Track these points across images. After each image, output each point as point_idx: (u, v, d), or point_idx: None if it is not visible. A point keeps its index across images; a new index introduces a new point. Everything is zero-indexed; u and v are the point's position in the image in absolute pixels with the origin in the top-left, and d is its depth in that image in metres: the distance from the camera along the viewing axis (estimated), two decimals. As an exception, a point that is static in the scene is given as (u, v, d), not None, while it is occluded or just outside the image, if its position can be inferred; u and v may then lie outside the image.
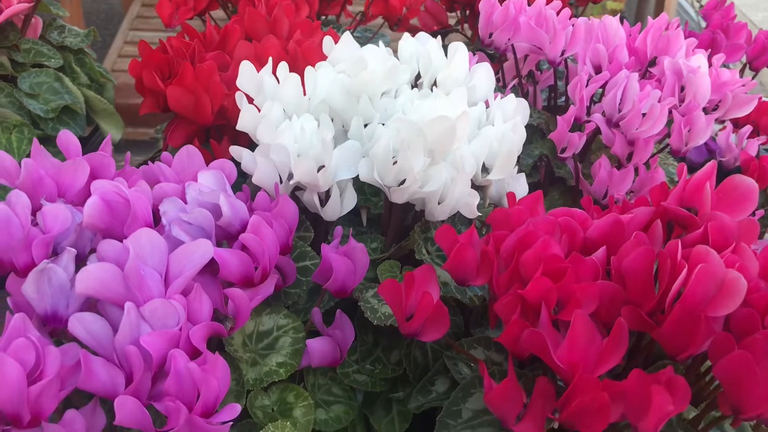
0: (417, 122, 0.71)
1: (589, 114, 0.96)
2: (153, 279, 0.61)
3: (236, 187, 0.77)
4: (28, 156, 0.70)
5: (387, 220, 0.81)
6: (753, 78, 1.20)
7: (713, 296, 0.57)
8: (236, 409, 0.58)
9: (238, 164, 0.79)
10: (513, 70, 1.13)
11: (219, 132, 0.99)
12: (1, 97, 1.19)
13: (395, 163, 0.72)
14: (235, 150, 0.77)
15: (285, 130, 0.73)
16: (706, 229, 0.63)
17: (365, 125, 0.77)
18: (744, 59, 1.30)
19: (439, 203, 0.74)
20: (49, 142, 1.20)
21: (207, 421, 0.57)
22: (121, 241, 0.61)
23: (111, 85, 1.41)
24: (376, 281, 0.77)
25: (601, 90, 0.99)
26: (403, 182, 0.72)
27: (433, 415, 0.74)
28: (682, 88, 0.95)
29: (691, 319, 0.57)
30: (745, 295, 0.58)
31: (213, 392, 0.58)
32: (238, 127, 0.79)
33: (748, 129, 1.17)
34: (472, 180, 0.78)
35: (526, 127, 0.84)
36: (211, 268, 0.69)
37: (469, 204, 0.75)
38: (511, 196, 0.74)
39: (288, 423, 0.69)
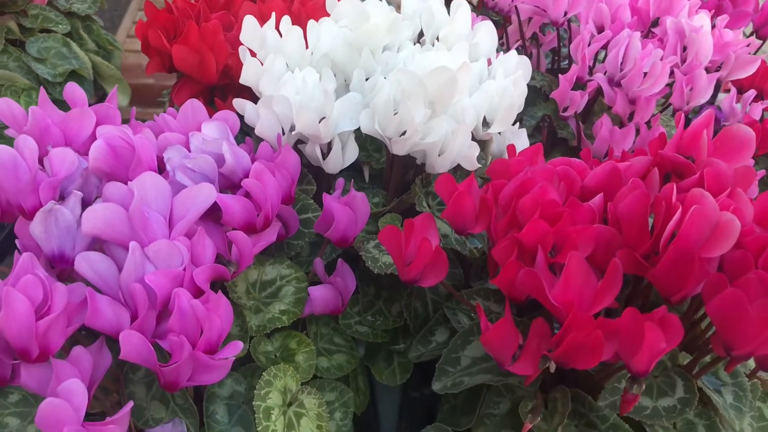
0: (418, 73, 0.72)
1: (591, 74, 0.96)
2: (157, 221, 0.62)
3: (240, 144, 0.78)
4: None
5: (388, 174, 0.82)
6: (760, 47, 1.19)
7: (707, 238, 0.58)
8: (239, 346, 0.60)
9: (242, 119, 0.80)
10: (516, 34, 1.14)
11: (223, 92, 1.01)
12: (10, 61, 1.21)
13: (396, 114, 0.72)
14: (239, 102, 0.78)
15: (287, 82, 0.74)
16: (701, 174, 0.63)
17: (367, 79, 0.77)
18: (751, 27, 1.30)
19: (439, 155, 0.75)
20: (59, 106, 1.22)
21: (210, 357, 0.59)
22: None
23: (118, 52, 1.42)
24: (378, 234, 0.78)
25: (603, 51, 1.00)
26: (404, 133, 0.73)
27: (433, 367, 0.75)
28: (684, 48, 0.95)
29: (685, 259, 0.58)
30: (739, 238, 0.59)
31: (216, 330, 0.60)
32: (241, 80, 0.80)
33: (752, 93, 1.16)
34: (473, 134, 0.79)
35: (529, 89, 0.85)
36: (214, 215, 0.70)
37: (469, 156, 0.76)
38: (511, 148, 0.75)
39: (290, 367, 0.70)
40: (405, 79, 0.72)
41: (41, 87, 0.76)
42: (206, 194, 0.63)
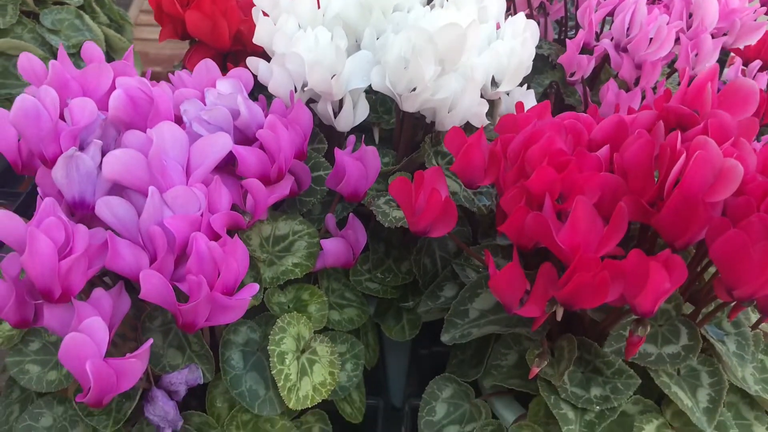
0: (428, 29, 0.73)
1: (598, 39, 0.97)
2: (175, 168, 0.64)
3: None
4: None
5: (398, 134, 0.84)
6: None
7: (711, 183, 0.60)
8: (255, 288, 0.62)
9: (255, 80, 0.82)
10: (524, 5, 1.15)
11: (235, 58, 1.02)
12: (24, 32, 1.23)
13: (406, 70, 0.74)
14: (252, 61, 0.79)
15: (299, 40, 0.76)
16: (706, 125, 0.65)
17: (377, 39, 0.79)
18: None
19: (449, 112, 0.77)
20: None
21: (227, 297, 0.60)
22: (145, 134, 0.64)
23: (130, 27, 1.44)
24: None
25: (610, 19, 1.01)
26: (414, 90, 0.75)
27: (440, 325, 0.77)
28: (690, 15, 0.96)
29: (689, 204, 0.59)
30: (741, 185, 0.61)
31: (233, 272, 0.61)
32: (255, 39, 0.82)
33: (757, 64, 1.17)
34: (482, 93, 0.80)
35: (536, 57, 0.86)
36: (229, 169, 0.72)
37: (478, 114, 0.77)
38: (519, 104, 0.76)
39: (303, 316, 0.72)
40: (415, 36, 0.74)
41: (60, 44, 0.77)
42: (222, 143, 0.65)
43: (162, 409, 0.67)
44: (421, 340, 0.92)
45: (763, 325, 0.75)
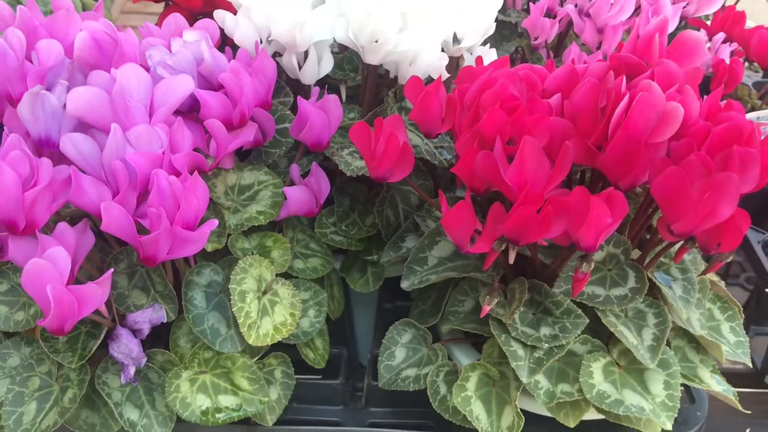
0: (390, -17, 0.75)
1: (562, 5, 1.00)
2: (138, 108, 0.65)
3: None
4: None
5: (363, 89, 0.86)
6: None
7: (654, 126, 0.62)
8: (214, 223, 0.64)
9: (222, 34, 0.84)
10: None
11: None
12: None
13: (369, 23, 0.76)
14: (219, 14, 0.81)
15: (266, -8, 0.78)
16: (652, 73, 0.67)
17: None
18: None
19: (410, 65, 0.79)
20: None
21: (187, 231, 0.62)
22: (110, 76, 0.66)
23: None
24: (353, 145, 0.82)
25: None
26: (376, 42, 0.77)
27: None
28: (653, -18, 0.99)
29: (632, 144, 0.61)
30: (684, 129, 0.63)
31: (192, 207, 0.63)
32: (222, -7, 0.83)
33: (721, 36, 1.21)
34: (444, 50, 0.82)
35: (503, 25, 0.88)
36: (194, 116, 0.74)
37: (439, 68, 0.80)
38: (479, 59, 0.78)
39: (265, 259, 0.74)
40: (378, -10, 0.76)
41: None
42: (185, 84, 0.67)
43: (126, 346, 0.69)
44: (386, 296, 0.95)
45: (710, 275, 0.78)
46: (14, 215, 0.60)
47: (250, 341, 0.68)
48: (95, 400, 0.72)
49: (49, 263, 0.57)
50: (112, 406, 0.70)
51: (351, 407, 0.83)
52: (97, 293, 0.59)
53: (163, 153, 0.65)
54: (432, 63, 0.79)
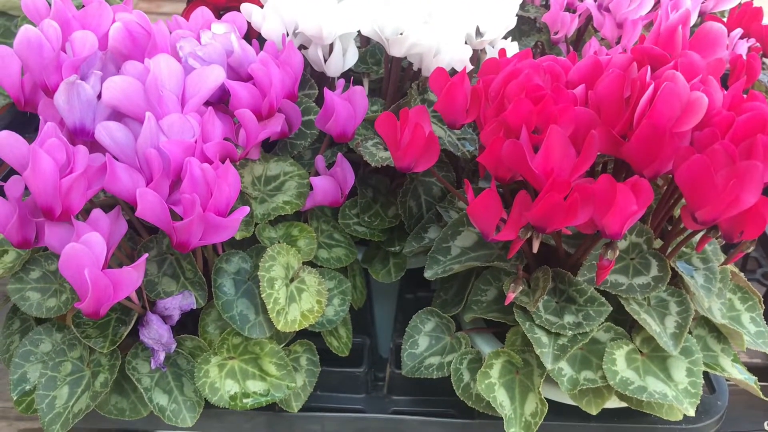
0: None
1: (581, 0, 1.01)
2: (170, 98, 0.67)
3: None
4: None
5: (387, 81, 0.87)
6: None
7: (678, 115, 0.63)
8: (246, 210, 0.65)
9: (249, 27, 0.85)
10: (513, -29, 1.18)
11: (231, 15, 1.05)
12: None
13: (394, 14, 0.77)
14: (246, 7, 0.83)
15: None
16: (675, 64, 0.68)
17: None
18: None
19: (434, 57, 0.80)
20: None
21: (219, 217, 0.64)
22: (142, 67, 0.67)
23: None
24: (377, 137, 0.83)
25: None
26: (401, 34, 0.78)
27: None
28: (672, -23, 1.00)
29: (656, 133, 0.62)
30: (708, 119, 0.64)
31: (224, 194, 0.65)
32: (249, -13, 0.85)
33: (738, 32, 1.21)
34: (467, 42, 0.83)
35: (522, 20, 0.89)
36: (223, 107, 0.75)
37: (462, 60, 0.81)
38: (502, 51, 0.79)
39: (293, 248, 0.75)
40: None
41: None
42: (216, 74, 0.68)
43: (156, 332, 0.70)
44: (407, 287, 0.96)
45: (730, 266, 0.79)
46: (51, 201, 0.62)
47: (279, 327, 0.70)
48: (125, 385, 0.74)
49: (86, 248, 0.59)
50: (141, 391, 0.71)
51: (373, 396, 0.84)
52: (132, 277, 0.60)
53: (195, 142, 0.66)
54: (456, 55, 0.80)
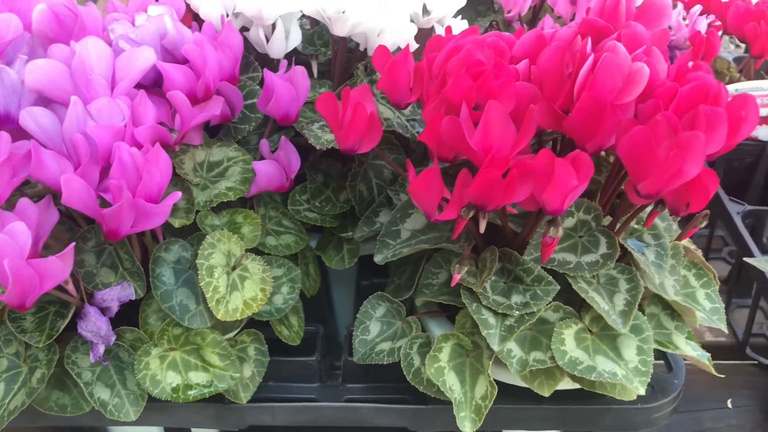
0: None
1: (535, -22, 0.99)
2: (99, 82, 0.64)
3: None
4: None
5: (334, 62, 0.85)
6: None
7: (620, 87, 0.62)
8: (177, 195, 0.63)
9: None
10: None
11: None
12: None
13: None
14: (185, -11, 0.80)
15: (230, -35, 0.77)
16: (619, 35, 0.67)
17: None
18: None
19: (378, 36, 0.78)
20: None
21: (150, 204, 0.61)
22: (70, 50, 0.65)
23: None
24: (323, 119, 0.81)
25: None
26: (343, 12, 0.76)
27: None
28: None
29: (598, 106, 0.61)
30: (651, 90, 0.63)
31: (155, 179, 0.62)
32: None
33: (698, 8, 1.20)
34: (414, 20, 0.82)
35: (478, 1, 0.87)
36: (158, 91, 0.73)
37: (407, 39, 0.79)
38: (448, 28, 0.78)
39: (234, 235, 0.73)
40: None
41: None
42: (147, 56, 0.66)
43: (94, 324, 0.68)
44: (364, 274, 0.94)
45: (686, 242, 0.78)
46: (-28, 191, 0.60)
47: (219, 316, 0.68)
48: (66, 381, 0.71)
49: (9, 238, 0.57)
50: (82, 386, 0.69)
51: (327, 384, 0.82)
52: (58, 267, 0.58)
53: (125, 126, 0.64)
54: (400, 35, 0.78)
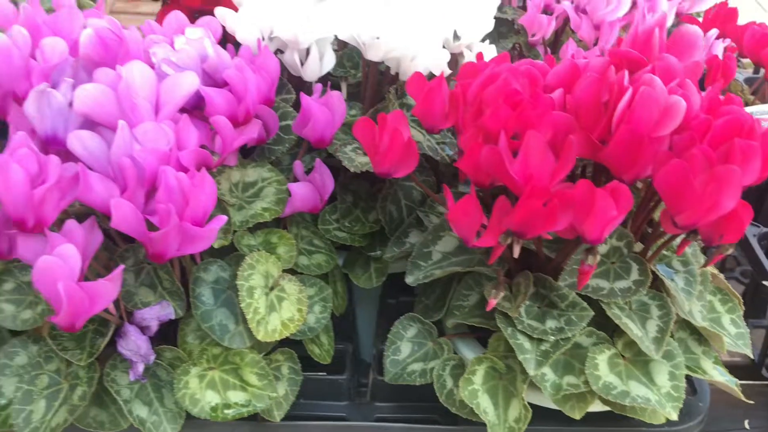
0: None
1: (558, 2, 1.01)
2: (144, 106, 0.66)
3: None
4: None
5: (365, 86, 0.86)
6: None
7: (656, 120, 0.63)
8: (223, 219, 0.64)
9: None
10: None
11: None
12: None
13: (371, 18, 0.77)
14: (220, 11, 0.81)
15: (268, -10, 0.78)
16: (653, 68, 0.68)
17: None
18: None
19: (411, 61, 0.79)
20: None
21: (196, 227, 0.63)
22: (115, 74, 0.66)
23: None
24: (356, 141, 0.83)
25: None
26: (378, 38, 0.77)
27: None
28: (648, -21, 1.00)
29: (635, 138, 0.62)
30: (686, 122, 0.64)
31: (201, 203, 0.64)
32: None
33: (714, 32, 1.22)
34: (445, 45, 0.83)
35: (500, 22, 0.89)
36: (199, 114, 0.74)
37: (440, 65, 0.80)
38: (479, 55, 0.79)
39: (272, 255, 0.75)
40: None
41: None
42: (190, 81, 0.67)
43: (134, 343, 0.69)
44: (389, 291, 0.95)
45: (710, 267, 0.79)
46: (23, 212, 0.61)
47: (259, 337, 0.69)
48: (104, 397, 0.72)
49: (60, 260, 0.58)
50: (121, 403, 0.70)
51: (356, 402, 0.84)
52: (108, 289, 0.59)
53: (170, 150, 0.65)
54: (433, 59, 0.79)
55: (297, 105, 0.84)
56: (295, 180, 0.81)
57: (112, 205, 0.60)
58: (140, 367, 0.70)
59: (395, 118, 0.72)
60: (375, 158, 0.72)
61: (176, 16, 0.81)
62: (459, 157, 0.75)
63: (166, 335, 0.75)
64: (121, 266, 0.61)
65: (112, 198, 0.63)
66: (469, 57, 0.89)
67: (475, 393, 0.71)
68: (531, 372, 0.68)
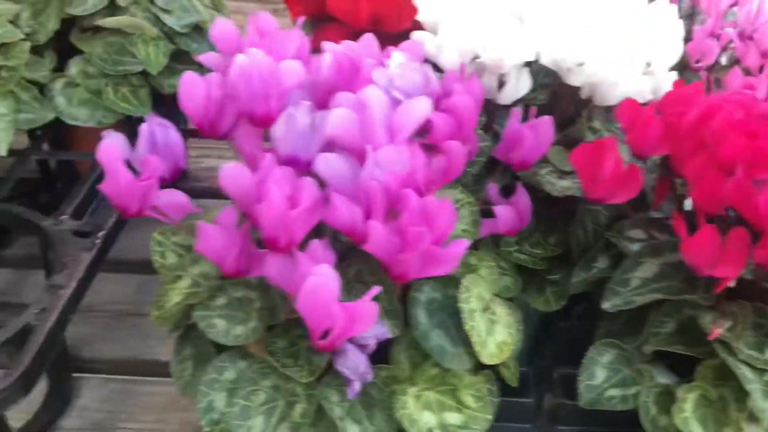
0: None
1: (721, 28, 1.01)
2: (381, 130, 0.67)
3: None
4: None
5: (553, 108, 0.87)
6: None
7: None
8: (465, 243, 0.65)
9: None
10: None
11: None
12: (139, 11, 1.26)
13: (574, 44, 0.77)
14: (419, 35, 0.83)
15: (470, 13, 0.79)
16: None
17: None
18: None
19: (611, 87, 0.80)
20: (181, 57, 1.28)
21: (442, 250, 0.63)
22: (350, 98, 0.67)
23: (226, 10, 1.47)
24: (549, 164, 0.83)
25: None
26: (581, 65, 0.78)
27: (578, 298, 0.80)
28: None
29: None
30: None
31: (442, 227, 0.64)
32: (419, 17, 0.85)
33: None
34: (634, 72, 0.84)
35: None
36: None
37: (642, 92, 0.81)
38: (677, 82, 0.80)
39: (481, 278, 0.75)
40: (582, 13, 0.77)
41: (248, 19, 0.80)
42: (423, 108, 0.68)
43: (353, 361, 0.70)
44: (556, 313, 0.95)
45: None
46: (278, 233, 0.62)
47: (484, 360, 0.69)
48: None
49: (324, 281, 0.59)
50: (336, 421, 0.71)
51: (537, 425, 0.84)
52: (371, 310, 0.60)
53: (408, 174, 0.66)
54: (635, 86, 0.80)
55: (485, 128, 0.85)
56: (486, 202, 0.82)
57: (370, 230, 0.61)
58: (357, 386, 0.71)
59: (612, 144, 0.73)
60: (591, 185, 0.72)
61: (366, 41, 0.81)
62: (659, 185, 0.76)
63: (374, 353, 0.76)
64: (379, 287, 0.61)
65: (354, 221, 0.64)
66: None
67: (687, 421, 0.71)
68: (759, 403, 0.68)
